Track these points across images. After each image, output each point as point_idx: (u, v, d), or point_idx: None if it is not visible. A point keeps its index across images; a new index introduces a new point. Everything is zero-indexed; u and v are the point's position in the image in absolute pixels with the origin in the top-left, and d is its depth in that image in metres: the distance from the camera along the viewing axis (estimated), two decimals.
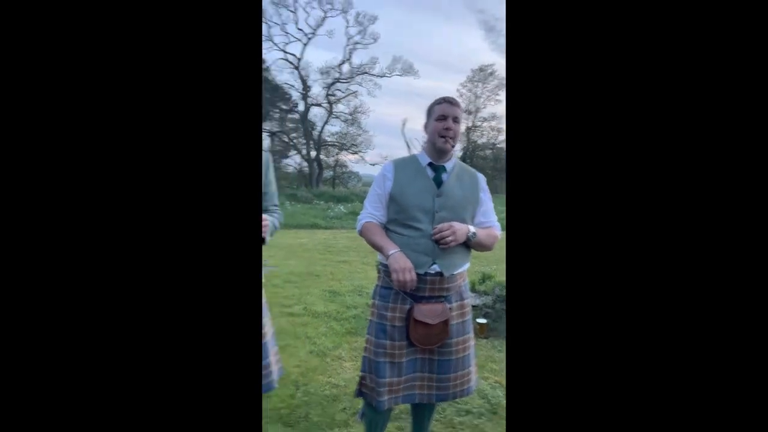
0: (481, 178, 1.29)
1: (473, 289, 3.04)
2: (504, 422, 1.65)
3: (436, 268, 1.15)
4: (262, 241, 1.13)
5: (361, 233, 1.25)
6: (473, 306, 2.84)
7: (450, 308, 1.18)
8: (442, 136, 1.18)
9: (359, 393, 1.22)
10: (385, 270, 1.21)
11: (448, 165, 1.24)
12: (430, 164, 1.23)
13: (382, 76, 18.61)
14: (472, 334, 1.28)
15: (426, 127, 1.25)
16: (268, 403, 1.74)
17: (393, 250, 1.13)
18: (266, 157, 1.22)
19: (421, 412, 1.38)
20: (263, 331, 1.17)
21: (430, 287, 1.16)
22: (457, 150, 1.38)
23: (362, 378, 1.21)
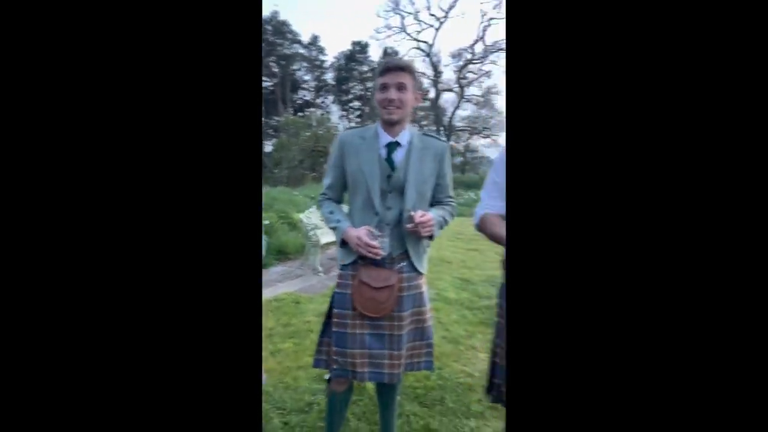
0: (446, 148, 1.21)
1: None
2: None
3: None
4: (431, 237, 1.14)
5: (479, 227, 1.13)
6: None
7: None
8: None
9: (498, 400, 1.13)
10: None
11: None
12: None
13: None
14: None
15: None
16: (405, 381, 1.83)
17: None
18: (442, 148, 1.20)
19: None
20: (425, 318, 1.19)
21: None
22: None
23: (500, 385, 1.10)
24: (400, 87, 1.11)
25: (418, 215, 1.08)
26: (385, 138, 1.17)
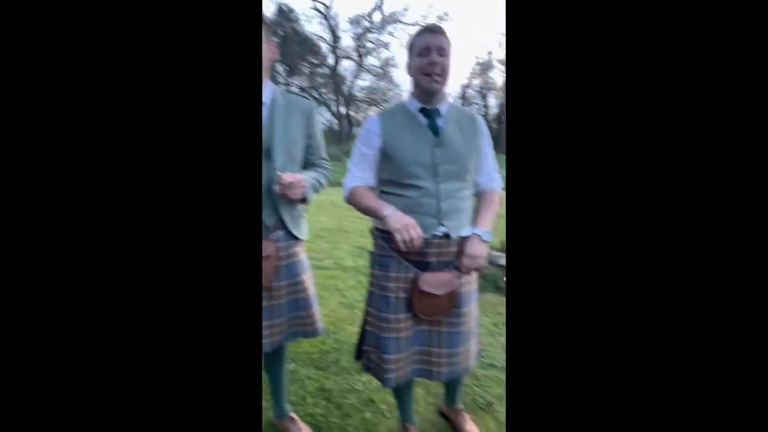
0: (481, 121, 1.12)
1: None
2: None
3: (443, 229, 1.02)
4: (304, 200, 1.08)
5: (349, 200, 1.09)
6: (498, 265, 2.83)
7: (458, 276, 1.05)
8: (427, 74, 0.99)
9: (366, 368, 1.15)
10: (382, 236, 1.08)
11: (442, 108, 1.06)
12: (422, 110, 1.05)
13: (414, 25, 17.57)
14: (476, 303, 1.16)
15: (409, 67, 1.06)
16: (300, 348, 1.85)
17: (388, 209, 0.99)
18: (309, 107, 1.13)
19: (408, 392, 1.25)
20: (305, 286, 1.16)
21: (436, 251, 1.03)
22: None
23: (368, 352, 1.13)
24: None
25: (287, 176, 1.01)
26: None
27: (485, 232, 1.05)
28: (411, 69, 1.05)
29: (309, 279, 1.20)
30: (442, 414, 1.43)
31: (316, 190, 1.15)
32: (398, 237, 0.95)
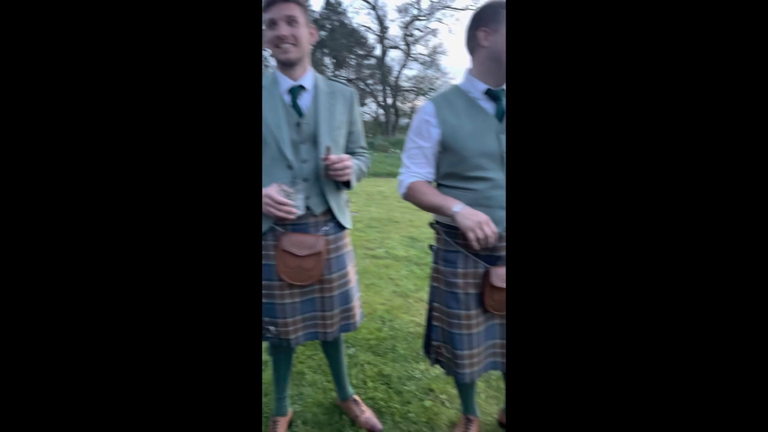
0: None
1: None
2: None
3: None
4: (347, 185, 1.08)
5: (408, 197, 1.04)
6: None
7: None
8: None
9: (436, 361, 1.13)
10: (446, 230, 1.04)
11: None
12: (487, 92, 0.96)
13: (464, 9, 16.96)
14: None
15: (490, 43, 0.93)
16: (358, 334, 1.89)
17: (457, 206, 0.93)
18: (351, 93, 1.12)
19: (472, 383, 1.22)
20: (349, 278, 1.15)
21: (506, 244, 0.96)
22: None
23: (438, 347, 1.10)
24: (291, 21, 0.97)
25: (335, 157, 0.99)
26: (287, 82, 1.04)
27: None
28: (494, 46, 0.93)
29: (353, 270, 1.20)
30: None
31: (358, 178, 1.14)
32: (471, 236, 0.89)
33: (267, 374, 1.59)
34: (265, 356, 1.72)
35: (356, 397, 1.39)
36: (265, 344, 1.78)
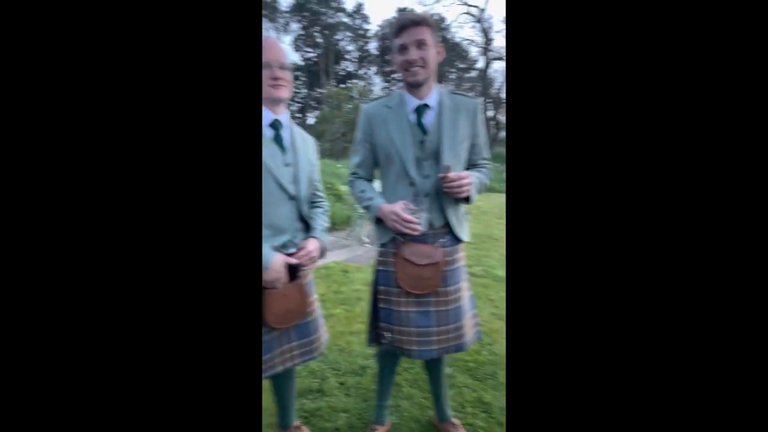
0: (478, 106, 1.14)
1: None
2: None
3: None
4: (467, 200, 1.08)
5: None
6: None
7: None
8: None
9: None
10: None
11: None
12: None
13: None
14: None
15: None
16: (456, 354, 1.83)
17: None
18: (474, 106, 1.12)
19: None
20: (461, 294, 1.13)
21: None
22: None
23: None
24: (420, 44, 1.02)
25: (453, 175, 1.01)
26: (413, 102, 1.08)
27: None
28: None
29: (466, 286, 1.17)
30: None
31: (479, 191, 1.13)
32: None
33: (366, 379, 1.64)
34: (363, 361, 1.78)
35: (456, 421, 1.34)
36: (372, 350, 1.84)
